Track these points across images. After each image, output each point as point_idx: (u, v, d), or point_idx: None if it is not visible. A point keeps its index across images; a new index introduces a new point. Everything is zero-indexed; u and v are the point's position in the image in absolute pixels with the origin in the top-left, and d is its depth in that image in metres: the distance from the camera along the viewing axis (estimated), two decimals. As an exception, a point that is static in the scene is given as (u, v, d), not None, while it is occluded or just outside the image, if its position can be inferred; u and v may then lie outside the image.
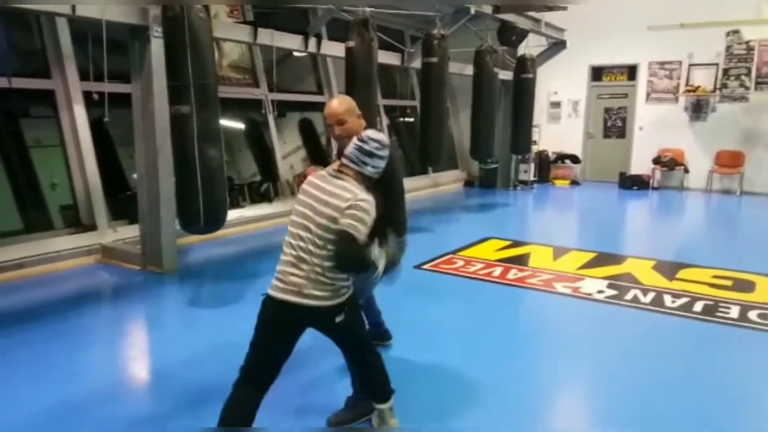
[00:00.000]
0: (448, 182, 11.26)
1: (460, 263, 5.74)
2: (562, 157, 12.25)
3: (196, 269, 5.51)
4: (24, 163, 6.03)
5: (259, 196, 7.54)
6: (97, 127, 5.95)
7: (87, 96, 5.48)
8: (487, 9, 7.36)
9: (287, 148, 9.94)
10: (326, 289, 2.28)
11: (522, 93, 9.46)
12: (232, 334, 3.07)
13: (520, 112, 9.52)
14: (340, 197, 2.25)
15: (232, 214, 6.37)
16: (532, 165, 11.59)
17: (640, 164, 11.44)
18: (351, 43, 5.76)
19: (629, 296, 4.77)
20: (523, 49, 9.72)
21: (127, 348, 3.81)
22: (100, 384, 3.13)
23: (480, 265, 5.66)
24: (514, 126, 9.65)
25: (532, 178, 11.58)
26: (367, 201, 2.25)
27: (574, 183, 11.99)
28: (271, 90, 7.56)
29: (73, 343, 3.69)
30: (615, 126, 11.99)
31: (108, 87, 5.08)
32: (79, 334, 3.88)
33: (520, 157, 11.17)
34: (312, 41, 6.54)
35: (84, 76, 5.58)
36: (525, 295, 4.87)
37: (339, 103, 2.87)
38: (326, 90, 8.66)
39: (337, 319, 2.34)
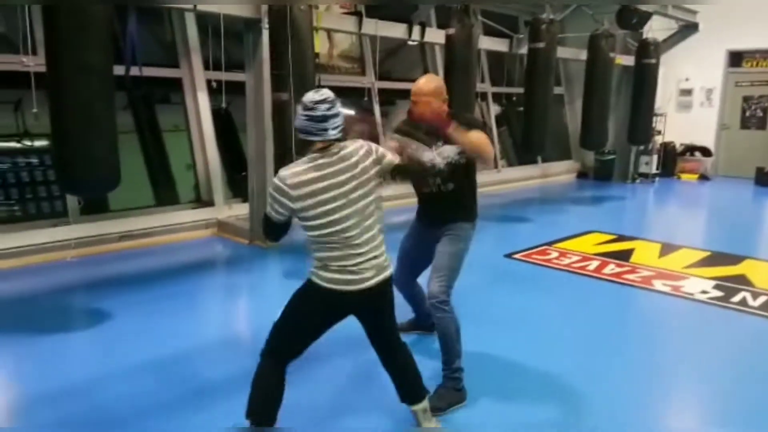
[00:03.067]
0: (559, 173, 10.87)
1: (554, 255, 5.60)
2: (690, 149, 11.30)
3: (297, 246, 5.88)
4: (157, 146, 6.80)
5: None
6: (220, 113, 6.54)
7: (210, 84, 6.05)
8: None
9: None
10: (386, 257, 2.28)
11: (643, 80, 8.88)
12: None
13: (640, 100, 8.95)
14: (365, 156, 2.22)
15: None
16: (655, 157, 10.83)
17: (783, 159, 10.27)
18: (451, 30, 5.79)
19: (736, 299, 4.41)
20: (648, 33, 9.12)
21: (230, 310, 4.31)
22: (207, 339, 3.52)
23: (575, 258, 5.48)
24: (633, 114, 9.09)
25: (654, 171, 10.82)
26: (363, 144, 2.26)
27: (703, 178, 11.03)
28: (378, 79, 7.78)
29: (188, 303, 4.20)
30: (755, 116, 10.84)
31: (226, 76, 5.59)
32: (193, 296, 4.40)
33: (641, 147, 10.50)
34: (416, 29, 6.64)
35: (206, 66, 6.15)
36: (616, 291, 4.66)
37: (427, 81, 2.81)
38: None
39: (390, 290, 2.33)
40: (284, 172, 2.16)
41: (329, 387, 2.94)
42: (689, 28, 9.49)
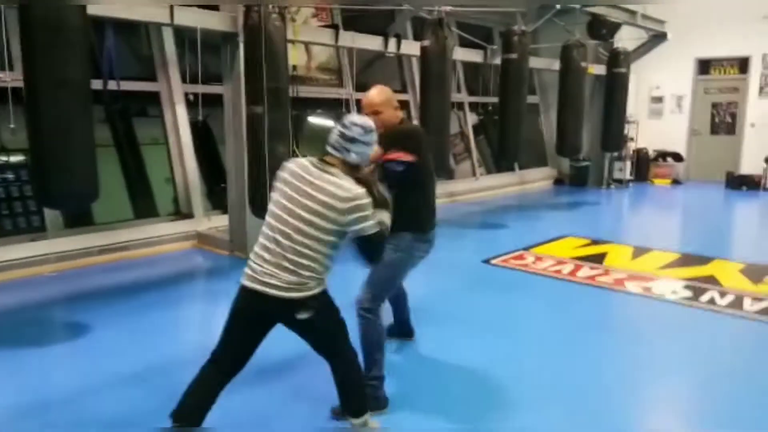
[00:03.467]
0: (536, 180, 11.07)
1: (531, 259, 5.73)
2: (663, 155, 11.60)
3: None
4: (135, 159, 6.81)
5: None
6: (198, 125, 6.58)
7: (187, 97, 6.08)
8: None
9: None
10: (289, 280, 2.19)
11: (614, 88, 9.13)
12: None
13: (612, 108, 9.20)
14: (333, 195, 2.18)
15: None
16: (629, 163, 11.09)
17: (751, 163, 10.58)
18: (426, 43, 5.92)
19: (705, 298, 4.56)
20: (618, 43, 9.38)
21: (210, 319, 4.25)
22: (190, 345, 3.55)
23: (551, 262, 5.61)
24: (605, 122, 9.33)
25: (627, 176, 11.08)
26: (363, 195, 2.22)
27: (676, 182, 11.31)
28: (356, 90, 7.89)
29: (169, 314, 4.23)
30: (724, 122, 11.18)
31: (203, 89, 5.64)
32: (174, 307, 4.42)
33: (615, 154, 10.75)
34: (392, 42, 6.77)
35: (184, 79, 6.20)
36: (589, 293, 4.78)
37: (377, 93, 2.84)
38: (410, 88, 8.86)
39: (299, 316, 2.23)
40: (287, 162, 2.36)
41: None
42: (658, 38, 9.78)
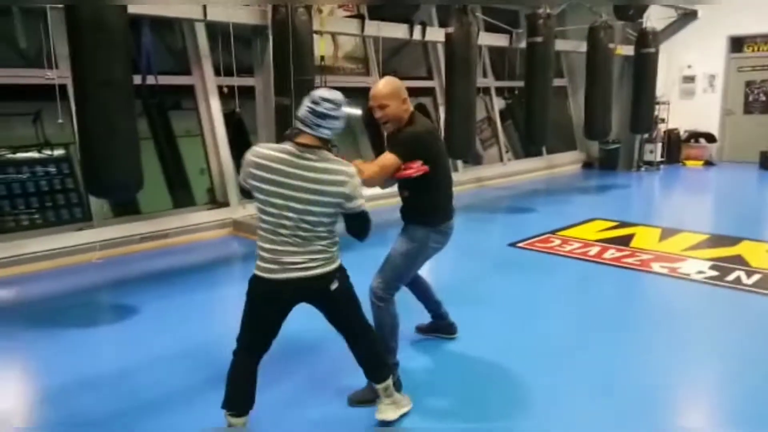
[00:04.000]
0: (564, 164, 11.03)
1: (557, 242, 5.80)
2: (695, 136, 11.40)
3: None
4: (172, 150, 7.09)
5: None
6: (232, 117, 6.80)
7: (221, 89, 6.30)
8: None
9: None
10: (317, 258, 2.31)
11: (642, 69, 9.03)
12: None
13: (641, 89, 9.11)
14: (333, 182, 2.25)
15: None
16: (660, 145, 10.95)
17: (787, 142, 10.36)
18: (450, 30, 6.01)
19: (731, 277, 4.60)
20: (647, 22, 9.26)
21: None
22: (229, 324, 3.77)
23: (577, 245, 5.68)
24: (634, 104, 9.25)
25: (659, 158, 10.94)
26: (354, 173, 2.31)
27: (708, 164, 11.13)
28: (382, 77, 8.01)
29: (208, 297, 4.48)
30: (758, 101, 10.93)
31: (237, 81, 5.85)
32: (213, 290, 4.67)
33: (645, 136, 10.64)
34: (417, 29, 6.86)
35: (217, 72, 6.41)
36: (614, 274, 4.86)
37: (384, 85, 2.80)
38: (436, 75, 8.93)
39: (332, 287, 2.37)
40: (258, 148, 2.30)
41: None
42: (688, 16, 9.62)
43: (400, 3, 6.93)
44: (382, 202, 6.03)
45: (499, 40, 8.14)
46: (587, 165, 11.35)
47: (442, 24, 7.49)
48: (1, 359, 3.47)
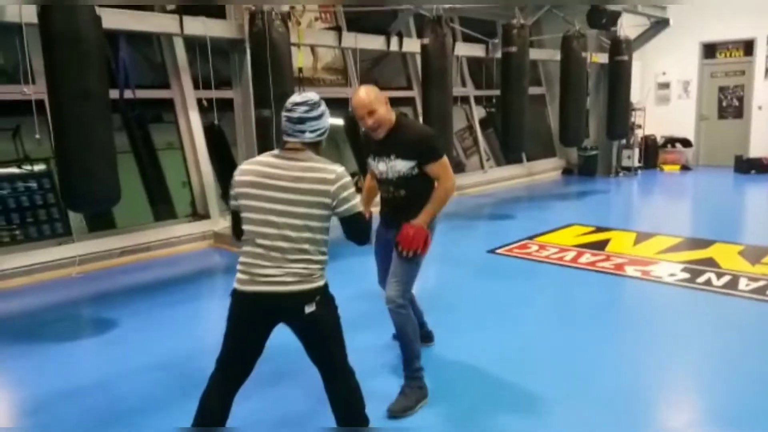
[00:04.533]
0: (545, 170, 11.19)
1: (535, 248, 5.90)
2: (671, 141, 11.65)
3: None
4: (152, 164, 7.11)
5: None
6: (212, 129, 6.84)
7: (200, 102, 6.34)
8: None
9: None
10: (296, 273, 2.13)
11: (617, 76, 9.24)
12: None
13: (615, 96, 9.31)
14: (323, 181, 2.12)
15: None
16: (637, 150, 11.17)
17: (760, 146, 10.62)
18: (425, 40, 6.12)
19: (701, 279, 4.71)
20: (620, 30, 9.47)
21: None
22: (209, 338, 3.81)
23: (554, 250, 5.78)
24: (610, 110, 9.44)
25: (636, 164, 11.15)
26: (345, 172, 2.17)
27: (685, 168, 11.37)
28: (361, 88, 8.10)
29: (189, 309, 4.49)
30: (731, 106, 11.20)
31: (216, 94, 5.90)
32: (194, 302, 4.69)
33: (622, 142, 10.84)
34: (394, 40, 6.97)
35: (196, 85, 6.46)
36: (588, 278, 4.96)
37: (366, 92, 2.77)
38: (415, 85, 9.05)
39: (307, 309, 2.14)
40: (242, 165, 2.26)
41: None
42: (660, 24, 9.85)
43: (380, 10, 7.01)
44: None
45: (476, 50, 8.29)
46: (567, 171, 11.53)
47: (420, 35, 7.62)
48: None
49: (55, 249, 5.42)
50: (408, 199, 2.93)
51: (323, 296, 2.21)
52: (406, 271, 2.89)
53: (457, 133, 10.81)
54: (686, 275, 4.83)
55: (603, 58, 9.83)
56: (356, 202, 2.20)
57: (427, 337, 3.52)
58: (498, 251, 5.81)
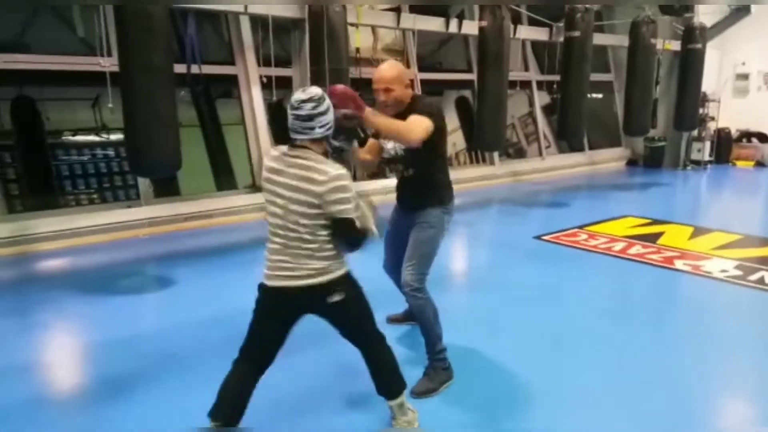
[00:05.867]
0: (607, 160, 10.89)
1: (584, 237, 5.84)
2: (747, 135, 11.05)
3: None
4: (217, 137, 7.49)
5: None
6: (273, 106, 7.12)
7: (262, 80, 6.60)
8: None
9: (450, 127, 10.50)
10: (311, 267, 2.19)
11: (688, 65, 8.86)
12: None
13: (686, 86, 8.93)
14: (312, 181, 2.13)
15: (378, 184, 7.12)
16: (708, 144, 10.67)
17: None
18: (483, 23, 6.10)
19: (754, 277, 4.56)
20: (701, 17, 9.05)
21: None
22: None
23: (603, 240, 5.71)
24: (679, 100, 9.07)
25: (706, 157, 10.67)
26: (342, 176, 2.15)
27: (760, 164, 10.77)
28: (420, 70, 8.16)
29: (244, 272, 4.69)
30: (816, 100, 10.47)
31: (276, 72, 6.13)
32: (249, 267, 4.92)
33: (693, 134, 10.39)
34: (453, 22, 6.98)
35: (259, 63, 6.72)
36: (634, 269, 4.88)
37: (389, 68, 2.74)
38: (475, 68, 8.99)
39: (330, 300, 2.24)
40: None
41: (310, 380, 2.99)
42: (741, 12, 9.31)
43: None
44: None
45: (539, 34, 8.14)
46: (632, 162, 11.17)
47: (480, 17, 7.57)
48: (58, 319, 3.86)
49: (124, 211, 5.85)
50: (417, 179, 2.89)
51: (347, 284, 2.28)
52: (422, 256, 2.85)
53: (519, 119, 10.70)
54: (739, 272, 4.68)
55: (676, 45, 9.42)
56: (346, 207, 2.16)
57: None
58: (545, 238, 5.79)
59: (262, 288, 2.28)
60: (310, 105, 2.17)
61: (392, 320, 3.54)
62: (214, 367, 2.85)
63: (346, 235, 2.21)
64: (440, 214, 2.90)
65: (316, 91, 2.22)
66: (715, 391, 2.96)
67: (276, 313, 2.29)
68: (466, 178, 8.37)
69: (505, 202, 7.84)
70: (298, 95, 2.20)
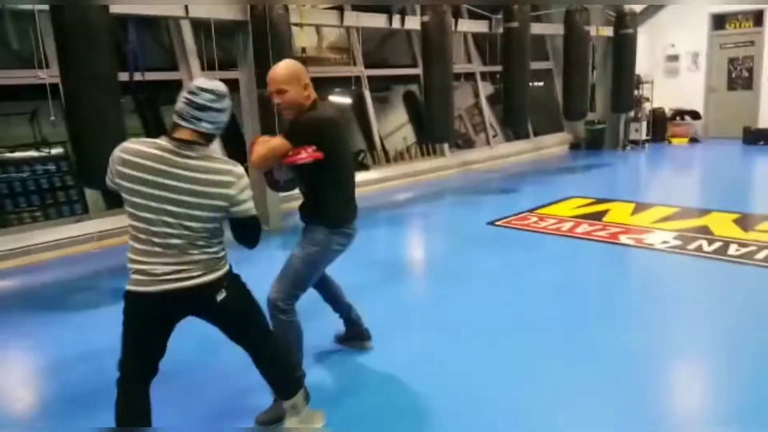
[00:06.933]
0: (552, 145, 11.26)
1: (534, 219, 6.06)
2: (680, 114, 11.63)
3: (298, 228, 6.43)
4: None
5: (358, 165, 8.31)
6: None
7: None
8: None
9: (399, 121, 10.64)
10: (199, 266, 2.06)
11: (621, 49, 9.26)
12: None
13: (620, 70, 9.33)
14: (220, 184, 2.00)
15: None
16: (644, 124, 11.16)
17: (769, 117, 10.57)
18: (425, 18, 6.24)
19: (692, 246, 4.85)
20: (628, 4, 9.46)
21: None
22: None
23: (552, 221, 5.94)
24: (614, 84, 9.47)
25: (644, 137, 11.16)
26: (242, 171, 2.05)
27: (693, 141, 11.36)
28: (366, 67, 8.25)
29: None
30: (741, 77, 11.12)
31: (222, 75, 6.10)
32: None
33: (630, 115, 10.86)
34: (396, 18, 7.09)
35: (202, 67, 6.67)
36: (582, 246, 5.12)
37: (282, 68, 2.53)
38: (420, 62, 9.14)
39: (219, 297, 2.11)
40: (128, 143, 2.04)
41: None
42: (668, -4, 9.79)
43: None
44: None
45: (479, 26, 8.36)
46: (574, 146, 11.58)
47: (422, 12, 7.71)
48: (14, 337, 3.78)
49: (74, 226, 5.71)
50: (308, 197, 2.71)
51: (232, 279, 2.18)
52: (292, 274, 2.65)
53: (465, 110, 10.94)
54: (678, 242, 4.97)
55: (609, 31, 9.82)
56: (252, 204, 2.10)
57: (361, 336, 3.22)
58: (497, 223, 5.97)
59: (137, 296, 2.05)
60: (208, 96, 2.02)
61: (338, 341, 3.30)
62: (181, 376, 2.86)
63: (254, 230, 2.15)
64: (326, 233, 2.67)
65: (220, 86, 2.07)
66: (666, 352, 3.16)
67: (155, 321, 2.12)
68: (418, 170, 8.52)
69: (457, 191, 8.02)
70: (200, 81, 2.06)
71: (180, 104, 2.02)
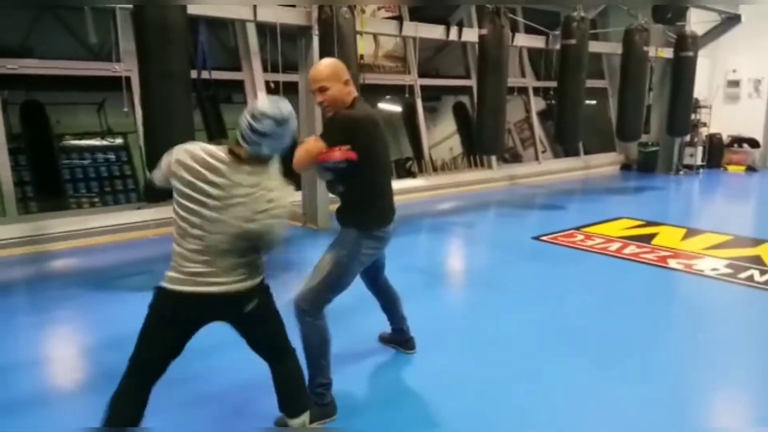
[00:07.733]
0: (602, 165, 11.12)
1: (580, 237, 6.03)
2: (738, 141, 11.32)
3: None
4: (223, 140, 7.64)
5: (405, 172, 8.42)
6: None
7: (268, 85, 6.78)
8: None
9: (447, 131, 10.72)
10: (238, 273, 2.08)
11: (680, 72, 9.10)
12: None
13: (678, 93, 9.17)
14: (262, 199, 2.02)
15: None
16: (700, 149, 10.91)
17: (833, 149, 10.18)
18: (483, 31, 6.31)
19: (743, 275, 4.76)
20: (687, 26, 9.30)
21: (286, 281, 4.97)
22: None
23: (599, 240, 5.90)
24: (671, 107, 9.31)
25: (699, 162, 10.91)
26: (287, 194, 2.08)
27: (751, 169, 11.03)
28: (421, 76, 8.37)
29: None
30: (804, 106, 10.75)
31: (283, 77, 6.30)
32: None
33: (685, 139, 10.63)
34: (453, 30, 7.19)
35: (265, 68, 6.90)
36: (629, 267, 5.07)
37: (324, 66, 2.55)
38: (474, 74, 9.21)
39: (247, 308, 2.13)
40: (189, 146, 2.07)
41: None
42: (732, 20, 9.57)
43: (440, 4, 7.24)
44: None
45: (536, 42, 8.37)
46: (625, 167, 11.40)
47: (480, 25, 7.79)
48: (73, 316, 4.02)
49: (134, 212, 6.00)
50: (343, 198, 2.66)
51: (262, 290, 2.19)
52: (321, 277, 2.59)
53: (515, 124, 10.93)
54: (729, 270, 4.88)
55: (669, 53, 9.67)
56: (281, 224, 2.10)
57: (407, 344, 3.25)
58: (543, 238, 5.98)
59: (169, 294, 2.06)
60: (270, 124, 1.99)
61: (381, 339, 3.35)
62: (235, 358, 2.96)
63: (268, 245, 2.13)
64: (358, 236, 2.61)
65: (284, 112, 2.02)
66: (709, 381, 3.13)
67: (182, 323, 2.12)
68: (464, 181, 8.57)
69: (503, 204, 8.04)
70: (264, 105, 2.02)
71: (243, 125, 2.02)
